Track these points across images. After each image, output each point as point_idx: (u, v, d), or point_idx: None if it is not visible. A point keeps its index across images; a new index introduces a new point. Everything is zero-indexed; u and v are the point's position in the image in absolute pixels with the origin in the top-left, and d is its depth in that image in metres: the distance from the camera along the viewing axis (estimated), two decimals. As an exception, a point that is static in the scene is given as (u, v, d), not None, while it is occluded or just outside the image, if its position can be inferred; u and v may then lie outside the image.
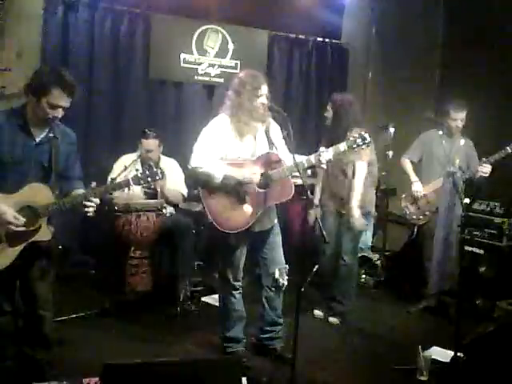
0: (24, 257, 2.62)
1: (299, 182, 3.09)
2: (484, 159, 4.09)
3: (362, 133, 3.19)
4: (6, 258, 2.55)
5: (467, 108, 4.25)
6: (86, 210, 2.61)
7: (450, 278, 4.11)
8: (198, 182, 3.17)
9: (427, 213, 4.40)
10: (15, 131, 2.57)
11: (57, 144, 2.63)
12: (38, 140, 2.63)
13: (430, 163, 4.43)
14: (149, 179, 2.74)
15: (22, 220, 2.53)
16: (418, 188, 4.42)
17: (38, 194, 2.58)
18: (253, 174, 3.10)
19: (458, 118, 4.26)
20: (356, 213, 3.83)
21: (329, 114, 3.98)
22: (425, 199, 4.41)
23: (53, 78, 2.53)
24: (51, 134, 2.63)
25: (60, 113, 2.58)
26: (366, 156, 3.83)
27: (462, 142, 4.31)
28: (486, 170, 4.06)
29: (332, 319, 4.07)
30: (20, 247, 2.58)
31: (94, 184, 2.60)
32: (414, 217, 4.48)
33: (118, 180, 4.17)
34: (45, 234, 2.63)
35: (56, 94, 2.51)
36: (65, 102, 2.56)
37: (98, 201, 2.63)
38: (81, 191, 2.69)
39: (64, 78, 2.55)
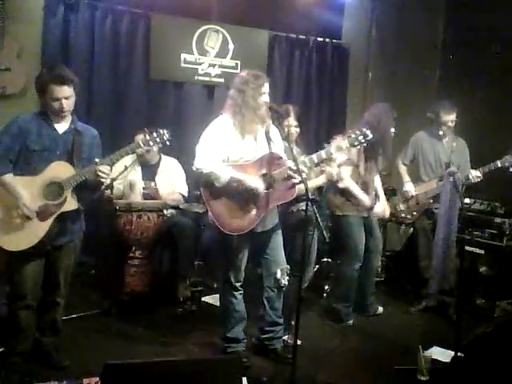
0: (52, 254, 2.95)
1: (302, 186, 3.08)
2: (480, 169, 4.20)
3: (364, 129, 3.17)
4: (38, 231, 2.84)
5: (457, 109, 4.29)
6: (100, 176, 2.85)
7: (450, 277, 4.11)
8: (203, 183, 3.14)
9: (415, 213, 4.47)
10: (41, 125, 2.89)
11: (79, 135, 2.96)
12: (61, 132, 2.93)
13: (421, 165, 4.49)
14: (157, 139, 2.99)
15: (34, 210, 2.80)
16: (408, 188, 4.50)
17: (61, 169, 2.87)
18: (258, 178, 3.09)
19: (449, 119, 4.30)
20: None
21: None
22: (415, 200, 4.46)
23: (45, 77, 2.85)
24: (73, 126, 2.96)
25: (64, 103, 2.85)
26: None
27: (454, 142, 4.31)
28: (476, 176, 4.15)
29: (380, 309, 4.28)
30: (50, 220, 2.86)
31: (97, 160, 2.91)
32: (403, 215, 4.56)
33: (119, 178, 4.21)
34: (71, 204, 2.91)
35: (52, 89, 2.82)
36: (62, 92, 2.83)
37: (109, 168, 2.89)
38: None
39: (53, 73, 2.85)
